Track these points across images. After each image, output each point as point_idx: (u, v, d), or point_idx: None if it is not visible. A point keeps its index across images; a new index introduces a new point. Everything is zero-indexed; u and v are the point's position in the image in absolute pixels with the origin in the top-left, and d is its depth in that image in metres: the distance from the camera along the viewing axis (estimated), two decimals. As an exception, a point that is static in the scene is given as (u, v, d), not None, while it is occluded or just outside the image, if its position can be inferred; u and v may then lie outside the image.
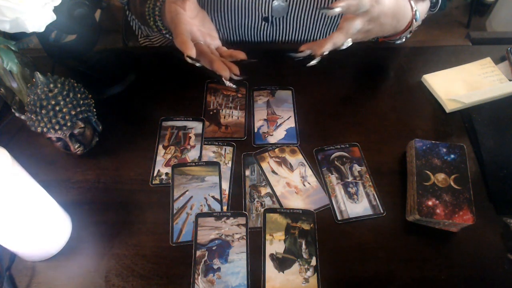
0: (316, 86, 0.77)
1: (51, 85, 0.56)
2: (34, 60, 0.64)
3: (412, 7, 0.67)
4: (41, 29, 0.50)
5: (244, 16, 0.79)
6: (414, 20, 0.68)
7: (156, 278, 0.54)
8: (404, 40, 0.75)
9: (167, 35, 0.73)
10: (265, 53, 0.82)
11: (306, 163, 0.66)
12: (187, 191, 0.62)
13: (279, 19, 0.80)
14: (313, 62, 0.62)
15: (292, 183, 0.63)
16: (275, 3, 0.76)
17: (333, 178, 0.64)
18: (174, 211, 0.60)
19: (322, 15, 0.79)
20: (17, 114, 0.65)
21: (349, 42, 0.60)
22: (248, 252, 0.56)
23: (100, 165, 0.65)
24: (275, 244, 0.57)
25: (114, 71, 0.76)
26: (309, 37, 0.85)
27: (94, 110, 0.62)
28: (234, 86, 0.61)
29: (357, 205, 0.61)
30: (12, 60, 0.51)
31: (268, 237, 0.57)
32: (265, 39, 0.85)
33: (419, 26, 0.77)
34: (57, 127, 0.57)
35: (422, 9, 0.73)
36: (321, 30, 0.84)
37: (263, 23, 0.81)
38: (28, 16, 0.47)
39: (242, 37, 0.84)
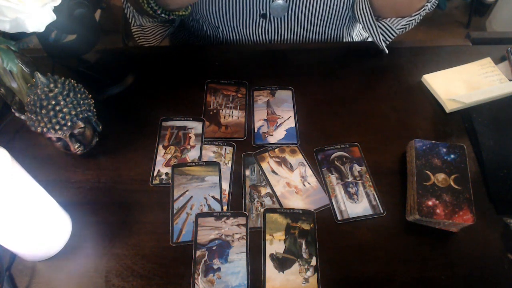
0: (316, 86, 0.77)
1: (51, 85, 0.56)
2: (34, 60, 0.64)
3: None
4: (41, 29, 0.50)
5: (243, 12, 0.79)
6: None
7: (156, 278, 0.54)
8: (423, 13, 0.73)
9: (162, 14, 0.71)
10: (265, 53, 0.82)
11: (306, 163, 0.66)
12: (187, 191, 0.62)
13: (277, 17, 0.80)
14: None
15: (292, 183, 0.63)
16: (275, 3, 0.76)
17: (333, 178, 0.64)
18: (174, 211, 0.60)
19: (320, 14, 0.79)
20: (17, 114, 0.65)
21: None
22: (248, 252, 0.56)
23: (100, 165, 0.65)
24: (275, 244, 0.57)
25: (114, 71, 0.76)
26: (307, 37, 0.85)
27: (94, 110, 0.62)
28: None
29: (357, 205, 0.61)
30: (12, 60, 0.51)
31: (268, 237, 0.57)
32: (263, 38, 0.85)
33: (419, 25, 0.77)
34: (57, 127, 0.57)
35: None
36: (319, 30, 0.84)
37: (261, 20, 0.80)
38: (28, 16, 0.47)
39: (241, 34, 0.84)
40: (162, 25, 0.85)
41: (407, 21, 0.76)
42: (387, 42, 0.79)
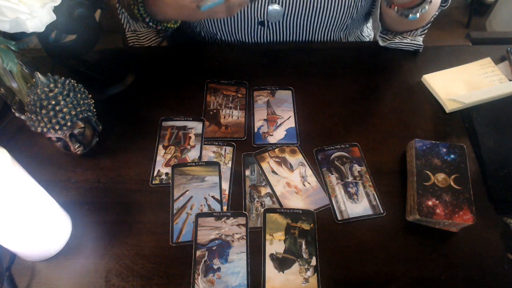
0: (316, 86, 0.77)
1: (51, 85, 0.56)
2: (34, 60, 0.64)
3: None
4: (41, 29, 0.50)
5: (240, 20, 0.79)
6: None
7: (156, 278, 0.54)
8: (417, 15, 0.70)
9: (150, 23, 0.72)
10: (265, 53, 0.82)
11: (306, 163, 0.66)
12: (187, 191, 0.62)
13: (275, 23, 0.80)
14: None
15: (292, 183, 0.63)
16: (270, 8, 0.76)
17: (333, 178, 0.64)
18: (174, 211, 0.60)
19: (317, 17, 0.79)
20: (17, 114, 0.65)
21: None
22: (248, 252, 0.56)
23: (100, 165, 0.65)
24: (275, 244, 0.57)
25: (114, 71, 0.76)
26: (305, 39, 0.85)
27: (94, 110, 0.62)
28: None
29: (357, 205, 0.61)
30: (12, 60, 0.51)
31: (268, 237, 0.57)
32: (262, 42, 0.85)
33: (428, 26, 0.78)
34: (57, 127, 0.57)
35: None
36: (317, 32, 0.84)
37: (259, 27, 0.80)
38: (28, 16, 0.47)
39: (239, 39, 0.84)
40: (156, 31, 0.85)
41: (421, 31, 0.79)
42: (419, 50, 0.81)
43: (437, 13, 0.77)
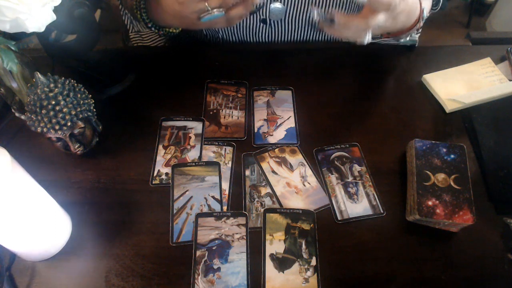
0: (316, 86, 0.77)
1: (51, 85, 0.56)
2: (34, 60, 0.64)
3: (420, 3, 0.67)
4: (41, 29, 0.50)
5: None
6: (421, 18, 0.67)
7: (156, 278, 0.54)
8: (408, 39, 0.73)
9: (152, 28, 0.73)
10: (265, 53, 0.82)
11: (306, 163, 0.66)
12: (187, 191, 0.62)
13: (277, 21, 0.80)
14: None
15: (292, 183, 0.63)
16: (272, 5, 0.76)
17: (333, 178, 0.64)
18: (174, 211, 0.60)
19: None
20: (17, 114, 0.65)
21: (369, 39, 0.59)
22: (248, 252, 0.56)
23: (100, 165, 0.65)
24: (275, 244, 0.57)
25: (114, 71, 0.76)
26: (307, 38, 0.85)
27: (94, 110, 0.62)
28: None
29: (357, 205, 0.61)
30: (12, 60, 0.51)
31: (268, 237, 0.57)
32: (263, 40, 0.85)
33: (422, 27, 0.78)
34: (57, 127, 0.57)
35: (427, 7, 0.72)
36: (318, 33, 0.84)
37: (261, 24, 0.81)
38: (28, 16, 0.47)
39: (241, 37, 0.84)
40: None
41: (417, 32, 0.78)
42: (415, 44, 0.82)
43: (428, 14, 0.76)
